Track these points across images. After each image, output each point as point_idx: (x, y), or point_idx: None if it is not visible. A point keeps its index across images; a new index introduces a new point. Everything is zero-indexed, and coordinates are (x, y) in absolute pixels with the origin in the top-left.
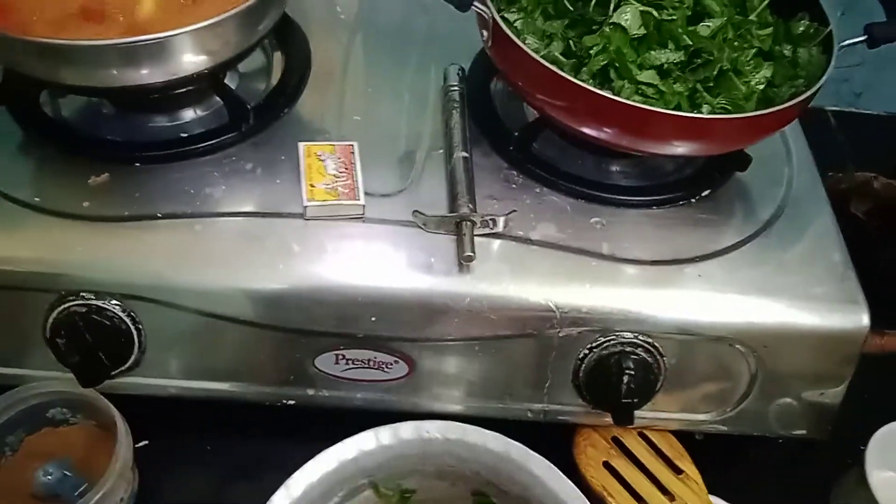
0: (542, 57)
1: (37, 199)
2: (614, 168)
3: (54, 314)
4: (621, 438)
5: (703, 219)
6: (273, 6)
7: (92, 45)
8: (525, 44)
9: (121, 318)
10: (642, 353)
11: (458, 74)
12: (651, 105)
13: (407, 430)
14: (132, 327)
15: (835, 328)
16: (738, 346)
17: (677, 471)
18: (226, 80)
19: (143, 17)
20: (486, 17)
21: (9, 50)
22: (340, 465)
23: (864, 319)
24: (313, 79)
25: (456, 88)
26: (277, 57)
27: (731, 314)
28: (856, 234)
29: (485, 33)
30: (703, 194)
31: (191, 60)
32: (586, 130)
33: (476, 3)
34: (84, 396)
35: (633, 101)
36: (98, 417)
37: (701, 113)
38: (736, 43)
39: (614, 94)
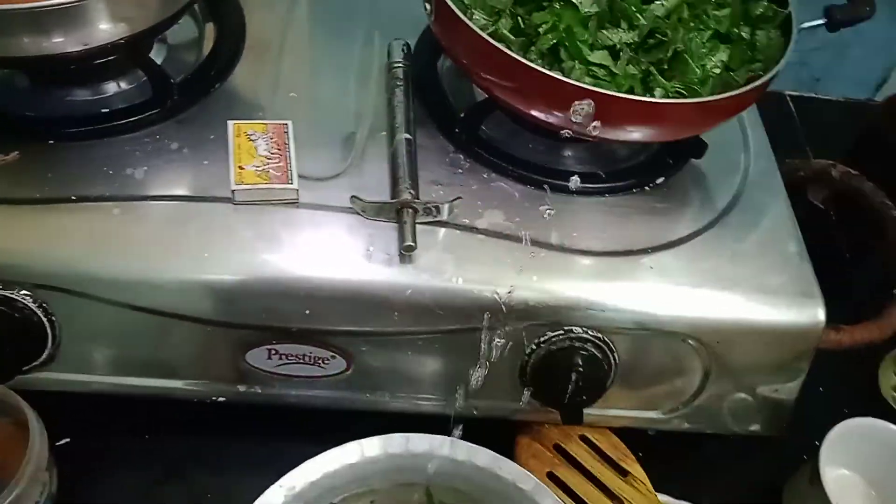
0: (488, 35)
1: None
2: (566, 153)
3: None
4: (563, 445)
5: (657, 208)
6: None
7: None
8: (472, 20)
9: (32, 309)
10: (592, 349)
11: (402, 50)
12: (602, 87)
13: (393, 444)
14: (45, 320)
15: (790, 323)
16: (690, 341)
17: (623, 472)
18: (152, 53)
19: None
20: None
21: None
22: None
23: (820, 314)
24: (248, 52)
25: (400, 65)
26: (210, 28)
27: (685, 308)
28: (813, 223)
29: (428, 7)
30: (658, 182)
31: (106, 28)
32: (535, 113)
33: None
34: None
35: (584, 83)
36: (12, 415)
37: (653, 97)
38: (692, 24)
39: (564, 76)
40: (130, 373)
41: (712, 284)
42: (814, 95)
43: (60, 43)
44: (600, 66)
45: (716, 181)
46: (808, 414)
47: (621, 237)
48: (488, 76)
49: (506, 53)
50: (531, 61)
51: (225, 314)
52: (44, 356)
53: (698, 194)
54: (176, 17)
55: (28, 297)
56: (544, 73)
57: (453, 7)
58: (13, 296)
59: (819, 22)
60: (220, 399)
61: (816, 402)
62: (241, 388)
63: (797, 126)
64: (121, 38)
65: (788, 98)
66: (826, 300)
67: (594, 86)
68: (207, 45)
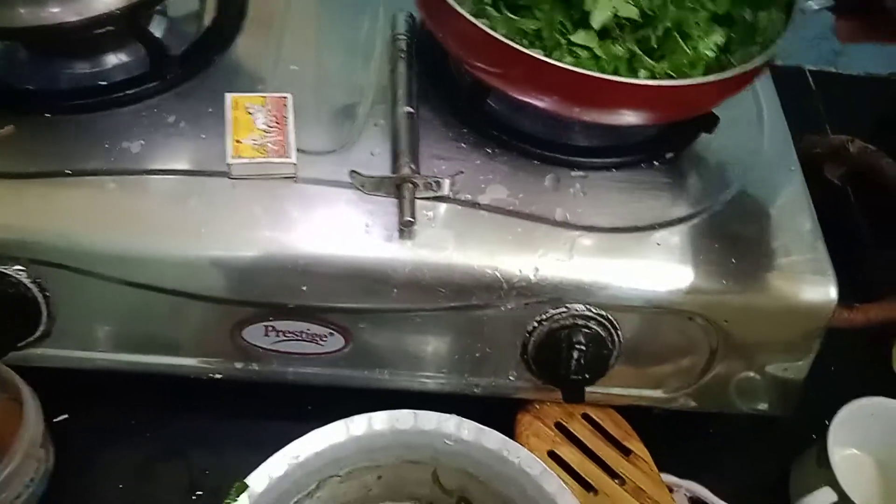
0: (472, 14)
1: None
2: (574, 127)
3: None
4: (565, 424)
5: (666, 183)
6: None
7: None
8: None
9: (26, 285)
10: (595, 327)
11: (406, 22)
12: (584, 68)
13: (381, 420)
14: (39, 295)
15: (801, 301)
16: (697, 319)
17: (626, 451)
18: (151, 25)
19: None
20: None
21: None
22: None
23: (832, 293)
24: (249, 24)
25: (404, 37)
26: (211, 0)
27: (692, 286)
28: (829, 201)
29: None
30: (667, 156)
31: None
32: (517, 95)
33: None
34: None
35: (565, 62)
36: (8, 391)
37: (637, 78)
38: (688, 4)
39: (545, 55)
40: (127, 349)
41: (720, 262)
42: (834, 70)
43: (57, 13)
44: (584, 47)
45: (728, 156)
46: (818, 394)
47: (628, 213)
48: (467, 54)
49: (480, 29)
50: (512, 40)
51: (221, 290)
52: (38, 332)
53: (709, 170)
54: None
55: (22, 273)
56: (521, 52)
57: None
58: (7, 271)
59: (826, 4)
60: (217, 376)
61: (827, 381)
62: (239, 366)
63: (817, 102)
64: (117, 9)
65: (808, 73)
66: (840, 278)
67: (575, 66)
68: (208, 17)
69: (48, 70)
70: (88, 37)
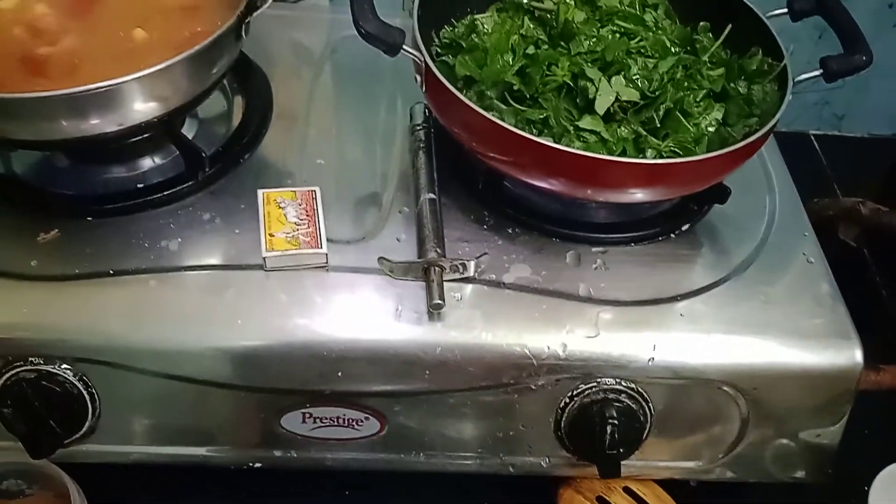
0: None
1: None
2: (590, 204)
3: (1, 381)
4: (606, 497)
5: (684, 254)
6: (226, 50)
7: (35, 98)
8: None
9: (72, 383)
10: (626, 400)
11: (424, 113)
12: (592, 151)
13: None
14: (85, 392)
15: (827, 366)
16: (726, 388)
17: None
18: (184, 127)
19: (88, 63)
20: (419, 61)
21: None
22: None
23: (857, 355)
24: (276, 121)
25: (422, 127)
26: (238, 101)
27: (718, 355)
28: (846, 262)
29: (418, 78)
30: (683, 229)
31: (140, 109)
32: (530, 181)
33: (406, 48)
34: (38, 466)
35: (574, 147)
36: (54, 488)
37: (645, 158)
38: (686, 83)
39: (554, 142)
40: (168, 442)
41: (745, 330)
42: (838, 134)
43: (97, 124)
44: (591, 131)
45: (742, 225)
46: (854, 459)
47: (649, 286)
48: (478, 144)
49: (491, 120)
50: (521, 129)
51: (260, 380)
52: (84, 428)
53: (725, 239)
54: (206, 94)
55: (69, 371)
56: (532, 140)
57: (440, 77)
58: (55, 370)
59: (815, 73)
60: (257, 465)
61: (862, 445)
62: (278, 454)
63: (823, 165)
64: (154, 117)
65: (812, 137)
66: (864, 340)
67: (584, 150)
68: (237, 117)
69: (88, 175)
70: (126, 144)
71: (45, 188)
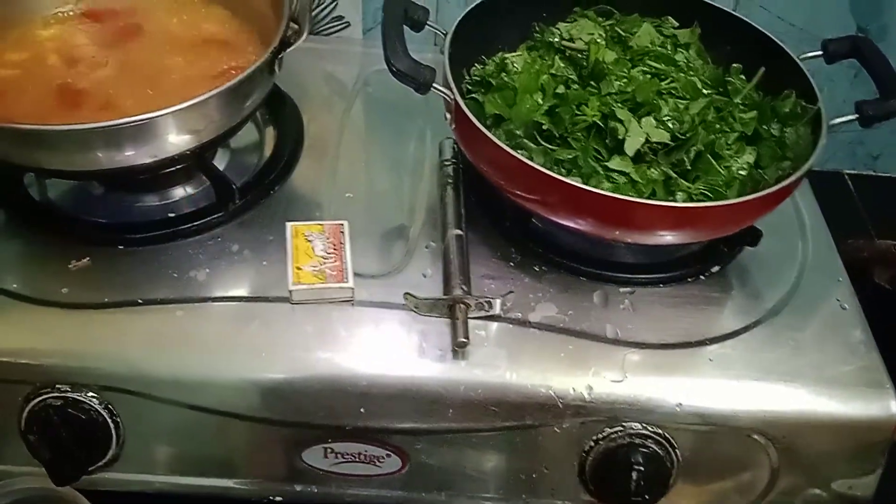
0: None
1: (15, 285)
2: (619, 244)
3: (29, 407)
4: None
5: (714, 297)
6: (259, 84)
7: (72, 130)
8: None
9: (98, 411)
10: (653, 446)
11: (453, 148)
12: (623, 193)
13: None
14: (110, 421)
15: (860, 415)
16: (756, 436)
17: None
18: (216, 157)
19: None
20: (450, 100)
21: None
22: None
23: (893, 406)
24: (306, 153)
25: (450, 163)
26: (270, 132)
27: (747, 402)
28: (880, 306)
29: (448, 115)
30: (713, 271)
31: (174, 141)
32: (560, 220)
33: (436, 86)
34: (61, 493)
35: (603, 188)
36: None
37: (675, 201)
38: (717, 126)
39: (583, 183)
40: (190, 472)
41: (775, 376)
42: (873, 174)
43: (131, 156)
44: (620, 172)
45: (773, 268)
46: None
47: (678, 328)
48: (507, 183)
49: (519, 160)
50: (550, 169)
51: (282, 413)
52: (108, 456)
53: (756, 282)
54: (239, 127)
55: (95, 399)
56: (561, 181)
57: (471, 116)
58: (80, 398)
59: (850, 118)
60: (277, 499)
61: None
62: (298, 488)
63: (857, 206)
64: (187, 150)
65: (847, 177)
66: None
67: (613, 191)
68: (268, 148)
69: (120, 204)
70: (158, 174)
71: (79, 216)
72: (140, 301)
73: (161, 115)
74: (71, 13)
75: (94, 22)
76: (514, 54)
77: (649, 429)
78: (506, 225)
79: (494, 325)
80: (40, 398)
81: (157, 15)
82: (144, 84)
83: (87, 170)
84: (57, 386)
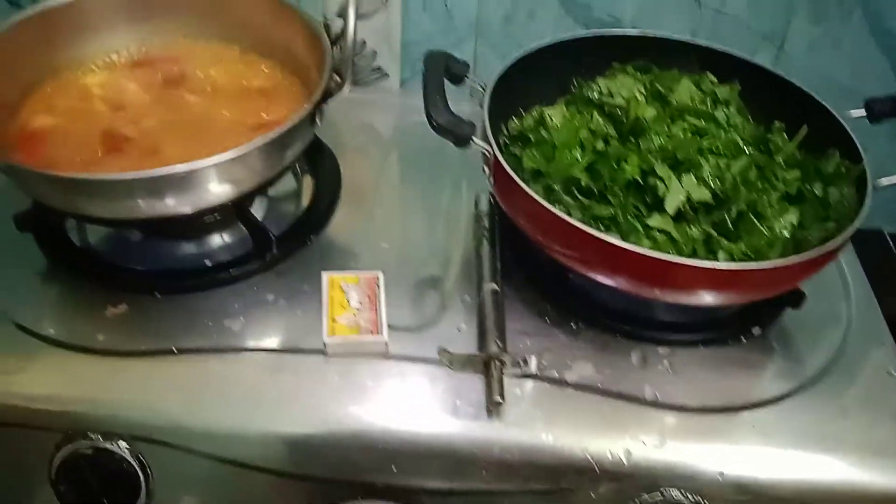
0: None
1: (51, 330)
2: (658, 302)
3: (59, 455)
4: None
5: (755, 360)
6: (301, 135)
7: (116, 180)
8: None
9: (128, 461)
10: None
11: (489, 201)
12: (663, 252)
13: None
14: (139, 471)
15: None
16: None
17: None
18: (254, 205)
19: (167, 143)
20: (488, 154)
21: (34, 184)
22: None
23: None
24: (343, 202)
25: (487, 216)
26: (308, 181)
27: (790, 471)
28: None
29: (486, 169)
30: (754, 333)
31: (215, 191)
32: (598, 277)
33: (475, 139)
34: None
35: (643, 246)
36: None
37: (716, 261)
38: (760, 185)
39: (622, 240)
40: None
41: (819, 445)
42: None
43: (172, 205)
44: (661, 230)
45: (816, 331)
46: None
47: (718, 392)
48: (544, 238)
49: (557, 216)
50: (588, 226)
51: (312, 468)
52: None
53: (798, 346)
54: (279, 176)
55: (126, 449)
56: (599, 238)
57: (510, 171)
58: (111, 447)
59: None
60: None
61: None
62: None
63: None
64: (228, 200)
65: (888, 236)
66: None
67: (652, 249)
68: (306, 197)
69: (158, 251)
70: (197, 223)
71: (117, 262)
72: (175, 350)
73: (204, 167)
74: (119, 60)
75: (140, 69)
76: (552, 108)
77: (688, 496)
78: (542, 280)
79: (530, 384)
80: (71, 447)
81: (202, 64)
82: (187, 132)
83: (128, 218)
84: (88, 434)
